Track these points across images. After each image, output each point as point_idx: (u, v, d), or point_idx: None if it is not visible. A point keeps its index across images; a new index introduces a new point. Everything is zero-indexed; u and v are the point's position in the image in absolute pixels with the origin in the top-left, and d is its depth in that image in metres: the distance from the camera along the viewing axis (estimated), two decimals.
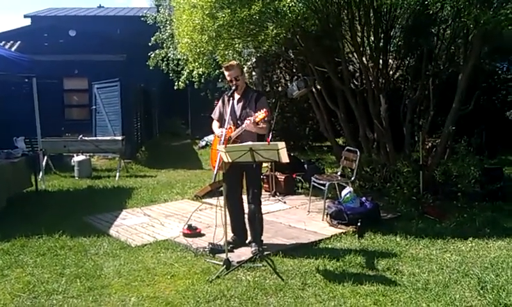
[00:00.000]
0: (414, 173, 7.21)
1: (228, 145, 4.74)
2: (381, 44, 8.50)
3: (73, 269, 5.03)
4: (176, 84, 14.21)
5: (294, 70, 13.43)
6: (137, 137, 14.15)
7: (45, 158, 10.83)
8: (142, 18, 15.32)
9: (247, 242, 5.54)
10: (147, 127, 17.22)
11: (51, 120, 14.15)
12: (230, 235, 5.55)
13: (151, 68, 13.59)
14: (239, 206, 5.53)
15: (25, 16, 25.70)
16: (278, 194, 8.17)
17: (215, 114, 5.58)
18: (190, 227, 6.09)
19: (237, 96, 5.38)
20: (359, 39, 8.46)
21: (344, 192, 6.43)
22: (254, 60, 14.01)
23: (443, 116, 8.09)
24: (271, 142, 4.61)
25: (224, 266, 4.80)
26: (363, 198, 6.43)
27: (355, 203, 6.24)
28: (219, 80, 14.50)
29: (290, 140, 14.71)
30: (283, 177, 8.31)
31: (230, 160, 4.80)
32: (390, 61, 9.14)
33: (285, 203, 7.73)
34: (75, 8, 28.21)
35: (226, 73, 5.33)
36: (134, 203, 8.15)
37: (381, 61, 8.46)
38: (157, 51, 13.83)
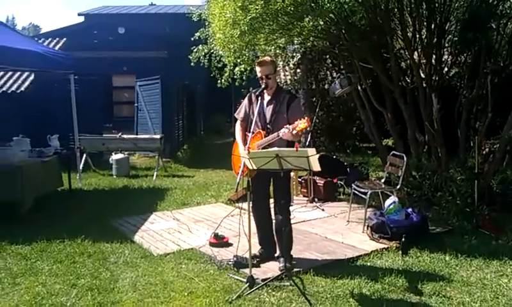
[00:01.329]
0: (468, 182, 6.47)
1: (251, 151, 4.24)
2: (435, 39, 7.77)
3: (87, 280, 4.70)
4: (219, 81, 13.84)
5: (342, 67, 12.76)
6: (178, 135, 13.87)
7: (84, 156, 10.70)
8: (187, 15, 15.01)
9: (276, 255, 5.03)
10: (190, 125, 16.96)
11: (99, 117, 14.23)
12: (258, 247, 5.08)
13: (192, 64, 13.19)
14: (267, 216, 5.02)
15: (79, 14, 26.19)
16: (316, 200, 7.59)
17: (239, 114, 5.08)
18: (216, 236, 5.65)
19: (267, 97, 4.87)
20: (410, 34, 7.78)
21: (387, 203, 5.78)
22: (299, 57, 13.48)
23: (502, 118, 7.28)
24: (300, 149, 4.06)
25: (248, 284, 4.32)
26: (409, 209, 5.76)
27: (400, 215, 5.59)
28: None
29: (336, 140, 14.08)
30: (323, 182, 7.71)
31: (254, 167, 4.32)
32: (444, 57, 8.37)
33: (323, 210, 7.14)
34: (127, 6, 28.53)
35: (257, 69, 4.83)
36: (165, 206, 7.80)
37: (434, 57, 7.75)
38: (199, 46, 13.45)
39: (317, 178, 7.82)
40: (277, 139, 4.59)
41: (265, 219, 5.01)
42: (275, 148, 4.24)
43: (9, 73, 12.58)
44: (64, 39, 14.43)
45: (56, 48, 13.74)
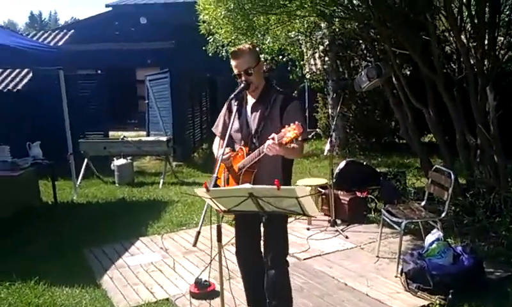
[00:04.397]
0: None
1: (212, 189, 2.83)
2: (487, 16, 6.18)
3: None
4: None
5: (370, 55, 11.14)
6: (194, 135, 12.52)
7: (85, 161, 9.58)
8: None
9: None
10: (213, 122, 15.64)
11: (124, 113, 12.99)
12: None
13: (209, 54, 11.83)
14: (257, 266, 3.63)
15: (107, 6, 25.43)
16: (339, 222, 6.12)
17: (217, 128, 3.71)
18: (199, 283, 4.32)
19: (251, 101, 3.46)
20: (456, 10, 6.21)
21: (429, 239, 4.28)
22: (327, 43, 11.95)
23: None
24: (284, 187, 2.63)
25: None
26: (459, 248, 4.25)
27: (446, 258, 4.08)
28: (290, 68, 12.44)
29: (371, 137, 12.53)
30: (348, 199, 6.22)
31: (222, 209, 2.95)
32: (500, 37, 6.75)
33: (346, 237, 5.67)
34: None
35: (232, 63, 3.41)
36: (158, 227, 6.51)
37: (486, 39, 6.16)
38: (216, 36, 12.10)
39: (341, 192, 6.36)
40: (260, 157, 3.17)
41: (254, 271, 3.64)
42: (247, 185, 2.84)
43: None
44: (72, 31, 13.30)
45: (61, 42, 12.64)
